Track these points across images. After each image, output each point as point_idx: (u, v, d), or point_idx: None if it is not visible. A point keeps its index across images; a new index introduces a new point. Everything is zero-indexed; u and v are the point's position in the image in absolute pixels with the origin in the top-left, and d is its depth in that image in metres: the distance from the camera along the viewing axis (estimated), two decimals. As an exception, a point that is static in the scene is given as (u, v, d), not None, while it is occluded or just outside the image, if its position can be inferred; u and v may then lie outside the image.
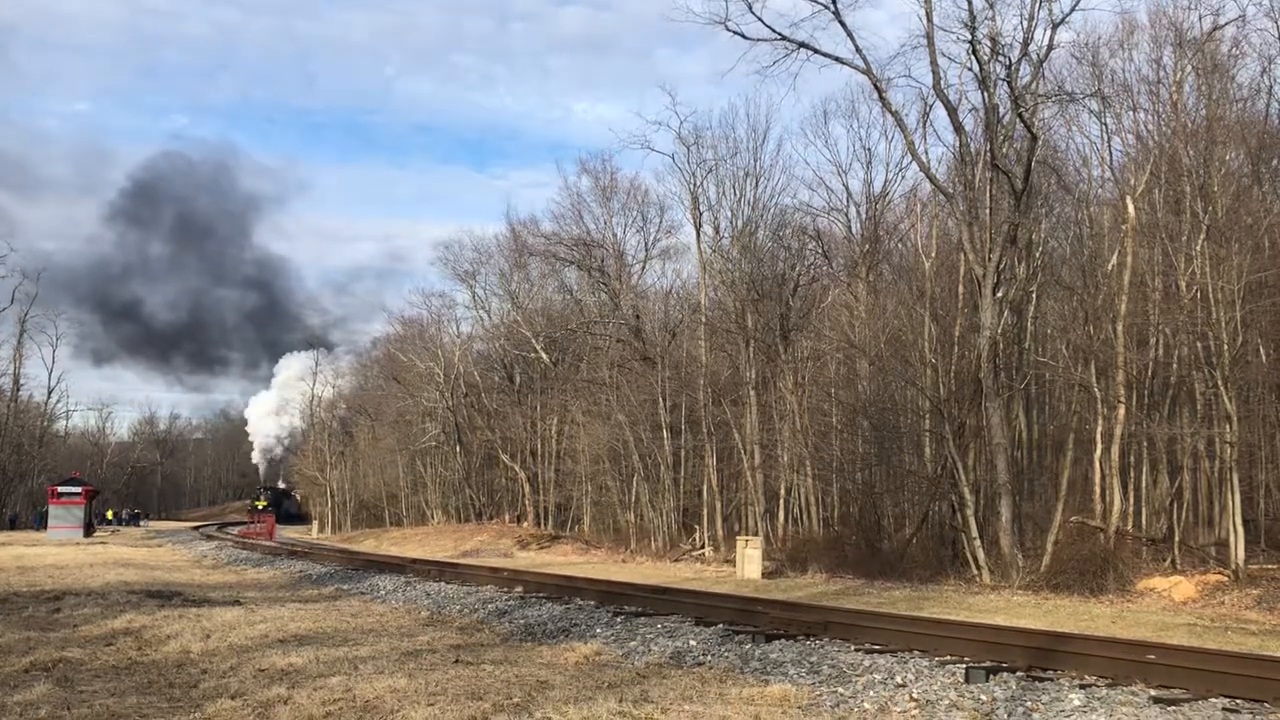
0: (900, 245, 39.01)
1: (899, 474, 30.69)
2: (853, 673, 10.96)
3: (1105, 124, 31.13)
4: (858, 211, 41.98)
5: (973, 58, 26.06)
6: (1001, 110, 26.39)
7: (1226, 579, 21.20)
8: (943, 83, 26.70)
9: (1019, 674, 10.56)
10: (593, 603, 17.83)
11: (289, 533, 76.21)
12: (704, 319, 41.11)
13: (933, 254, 30.80)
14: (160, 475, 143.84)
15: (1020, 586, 23.09)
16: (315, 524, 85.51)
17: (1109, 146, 31.89)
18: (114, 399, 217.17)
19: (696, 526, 38.81)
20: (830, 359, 36.04)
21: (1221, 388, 22.45)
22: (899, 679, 10.51)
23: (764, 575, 28.32)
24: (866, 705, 9.68)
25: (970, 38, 25.59)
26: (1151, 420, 25.46)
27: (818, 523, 34.69)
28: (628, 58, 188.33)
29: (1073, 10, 26.33)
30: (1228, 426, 22.60)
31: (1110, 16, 52.65)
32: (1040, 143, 26.91)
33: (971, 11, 25.41)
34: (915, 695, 9.89)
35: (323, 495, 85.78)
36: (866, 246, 38.95)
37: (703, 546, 36.83)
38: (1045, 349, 29.53)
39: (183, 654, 12.79)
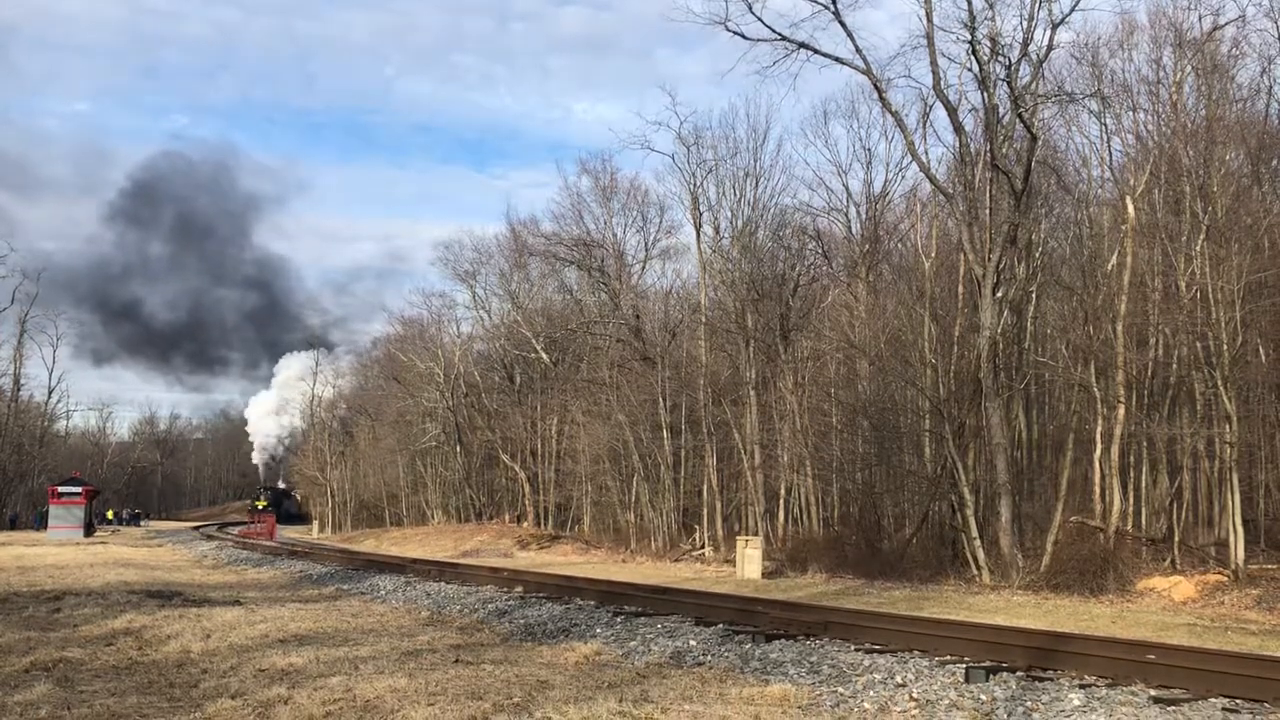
0: (900, 245, 39.03)
1: (899, 474, 30.70)
2: (853, 673, 10.97)
3: (1105, 124, 31.17)
4: (858, 211, 42.04)
5: (972, 58, 26.08)
6: (1001, 110, 26.40)
7: (1226, 579, 21.21)
8: (943, 83, 26.73)
9: (1019, 674, 10.56)
10: (593, 603, 17.84)
11: (289, 533, 76.22)
12: (704, 319, 41.12)
13: (933, 254, 30.81)
14: (160, 475, 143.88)
15: (1020, 586, 23.10)
16: (315, 524, 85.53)
17: (1109, 147, 31.93)
18: (114, 399, 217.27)
19: (696, 526, 38.81)
20: (830, 359, 36.05)
21: (1221, 388, 22.45)
22: (899, 679, 10.51)
23: (764, 575, 28.33)
24: (866, 705, 9.68)
25: (970, 38, 25.61)
26: (1151, 420, 25.46)
27: (818, 523, 34.70)
28: (628, 58, 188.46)
29: (1073, 10, 26.39)
30: (1227, 426, 22.60)
31: (1110, 17, 52.67)
32: (1040, 143, 26.92)
33: (971, 12, 25.44)
34: (915, 695, 9.89)
35: (323, 495, 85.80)
36: (866, 246, 38.96)
37: (703, 546, 36.84)
38: (1045, 349, 29.54)
39: (183, 654, 12.79)
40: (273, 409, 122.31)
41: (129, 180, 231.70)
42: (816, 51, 26.79)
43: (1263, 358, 24.07)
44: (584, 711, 9.02)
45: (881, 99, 28.30)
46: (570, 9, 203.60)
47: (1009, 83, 25.77)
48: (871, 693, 10.09)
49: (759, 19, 26.73)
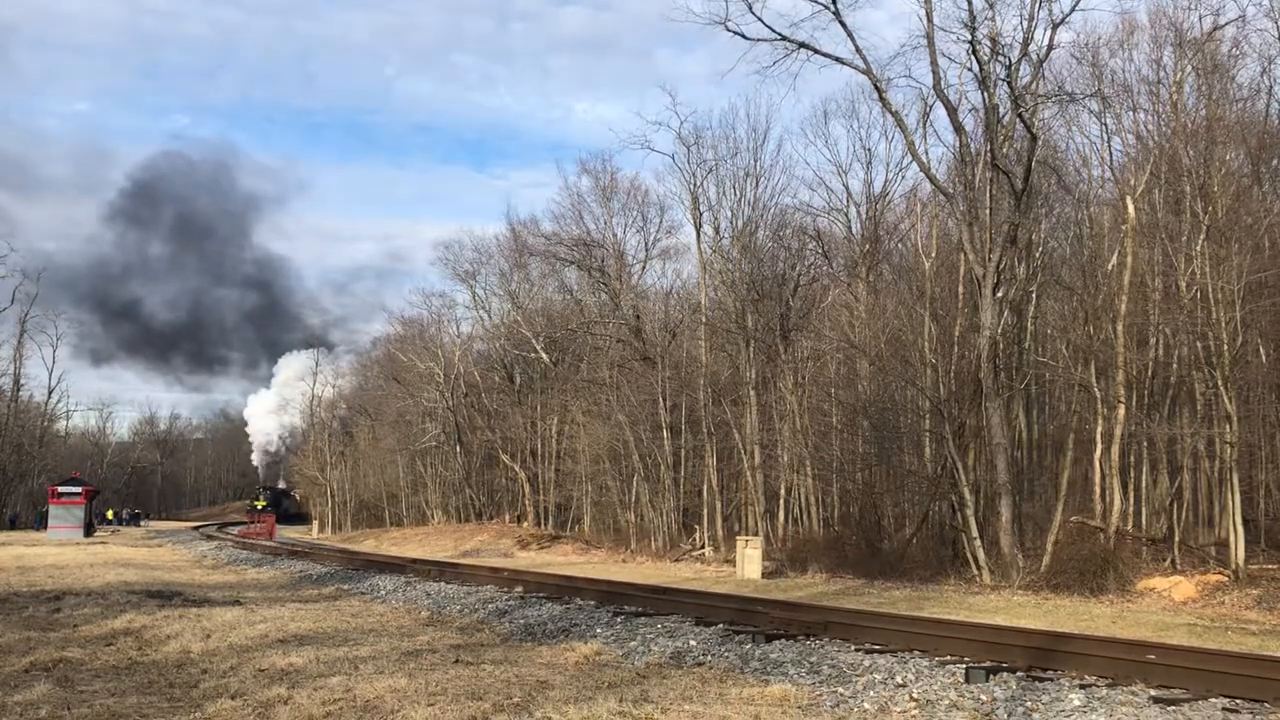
0: (900, 245, 39.04)
1: (899, 474, 30.69)
2: (853, 673, 10.96)
3: (1105, 124, 31.20)
4: (858, 211, 42.05)
5: (973, 58, 26.08)
6: (1001, 110, 26.40)
7: (1226, 579, 21.21)
8: (943, 83, 26.73)
9: (1019, 674, 10.56)
10: (593, 603, 17.83)
11: (289, 533, 76.22)
12: (704, 319, 41.12)
13: (933, 254, 30.81)
14: (160, 475, 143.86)
15: (1020, 586, 23.10)
16: (315, 524, 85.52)
17: (1109, 146, 31.96)
18: (114, 399, 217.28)
19: (696, 526, 38.81)
20: (830, 359, 36.05)
21: (1221, 388, 22.45)
22: (899, 679, 10.51)
23: (764, 575, 28.32)
24: (866, 705, 9.68)
25: (970, 38, 25.60)
26: (1151, 420, 25.46)
27: (818, 523, 34.70)
28: (628, 58, 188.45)
29: (1073, 10, 26.39)
30: (1228, 426, 22.60)
31: (1110, 17, 52.70)
32: (1040, 143, 26.91)
33: (971, 12, 25.44)
34: (915, 695, 9.89)
35: (323, 495, 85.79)
36: (866, 246, 38.96)
37: (703, 546, 36.83)
38: (1045, 349, 29.54)
39: (183, 654, 12.79)
40: (272, 409, 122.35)
41: (129, 180, 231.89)
42: (816, 51, 26.81)
43: (1263, 358, 24.07)
44: (584, 711, 9.01)
45: (881, 99, 28.32)
46: (570, 9, 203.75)
47: (1009, 83, 25.77)
48: (871, 693, 10.09)
49: (759, 19, 26.76)
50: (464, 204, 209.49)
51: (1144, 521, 25.72)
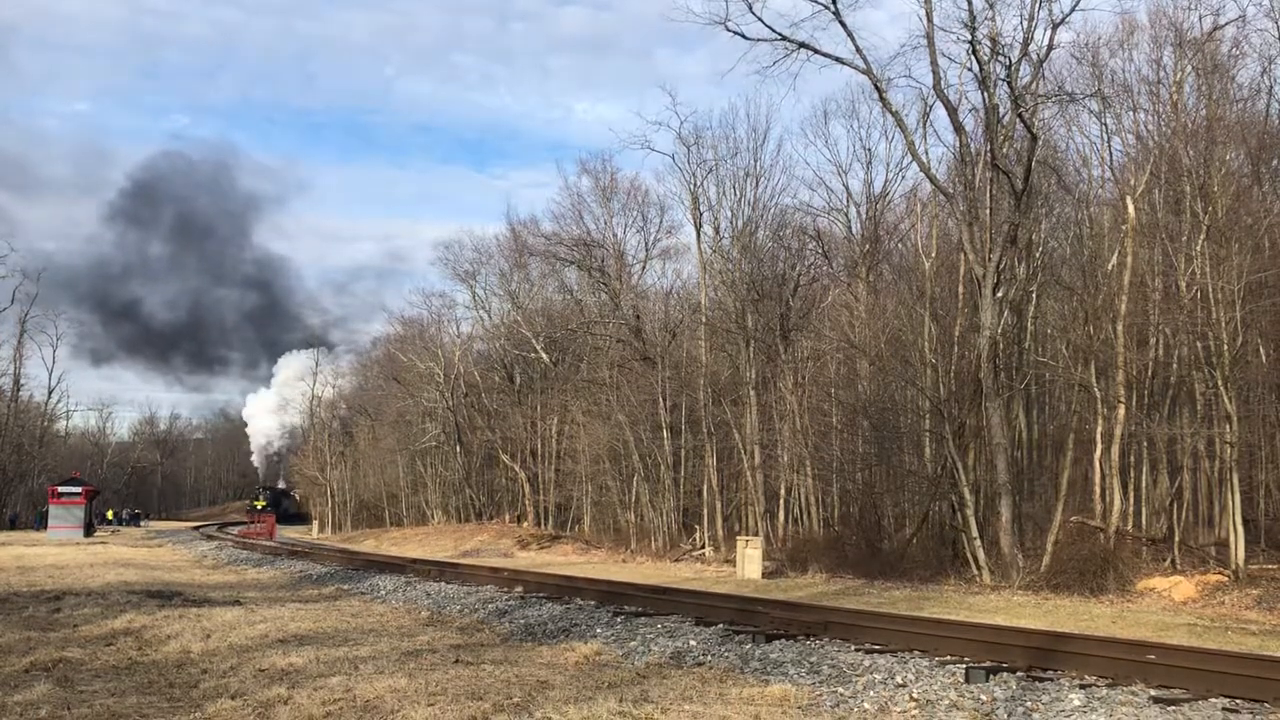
0: (900, 245, 39.05)
1: (899, 474, 30.69)
2: (853, 673, 10.96)
3: (1105, 124, 31.21)
4: (858, 211, 42.06)
5: (973, 58, 26.08)
6: (1001, 110, 26.40)
7: (1226, 579, 21.21)
8: (943, 83, 26.73)
9: (1019, 674, 10.56)
10: (593, 603, 17.83)
11: (289, 533, 76.22)
12: (704, 319, 41.12)
13: (933, 254, 30.81)
14: (160, 475, 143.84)
15: (1020, 586, 23.10)
16: (315, 524, 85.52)
17: (1109, 146, 31.97)
18: (114, 399, 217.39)
19: (697, 526, 38.81)
20: (830, 359, 36.06)
21: (1221, 388, 22.45)
22: (899, 679, 10.51)
23: (764, 575, 28.32)
24: (866, 705, 9.68)
25: (970, 38, 25.60)
26: (1151, 420, 25.46)
27: (818, 523, 34.70)
28: (628, 58, 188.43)
29: (1073, 10, 26.39)
30: (1228, 426, 22.60)
31: (1110, 17, 52.70)
32: (1040, 143, 26.92)
33: (971, 12, 25.44)
34: (915, 695, 9.89)
35: (323, 495, 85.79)
36: (866, 246, 38.97)
37: (703, 546, 36.84)
38: (1045, 349, 29.54)
39: (183, 654, 12.79)
40: (272, 408, 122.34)
41: (129, 180, 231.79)
42: (817, 51, 26.81)
43: (1263, 358, 24.07)
44: (584, 711, 9.01)
45: (882, 99, 28.32)
46: (570, 9, 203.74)
47: (1009, 83, 25.77)
48: (871, 693, 10.09)
49: (759, 19, 26.76)
50: (464, 204, 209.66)
51: (1144, 521, 25.72)
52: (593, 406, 45.94)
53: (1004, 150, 26.54)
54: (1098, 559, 22.72)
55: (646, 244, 53.43)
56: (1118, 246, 25.88)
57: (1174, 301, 24.85)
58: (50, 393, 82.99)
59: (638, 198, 52.30)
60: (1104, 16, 69.32)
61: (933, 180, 29.83)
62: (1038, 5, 25.52)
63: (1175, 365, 26.14)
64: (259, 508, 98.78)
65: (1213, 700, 9.41)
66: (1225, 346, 22.55)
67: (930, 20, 25.88)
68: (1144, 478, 26.27)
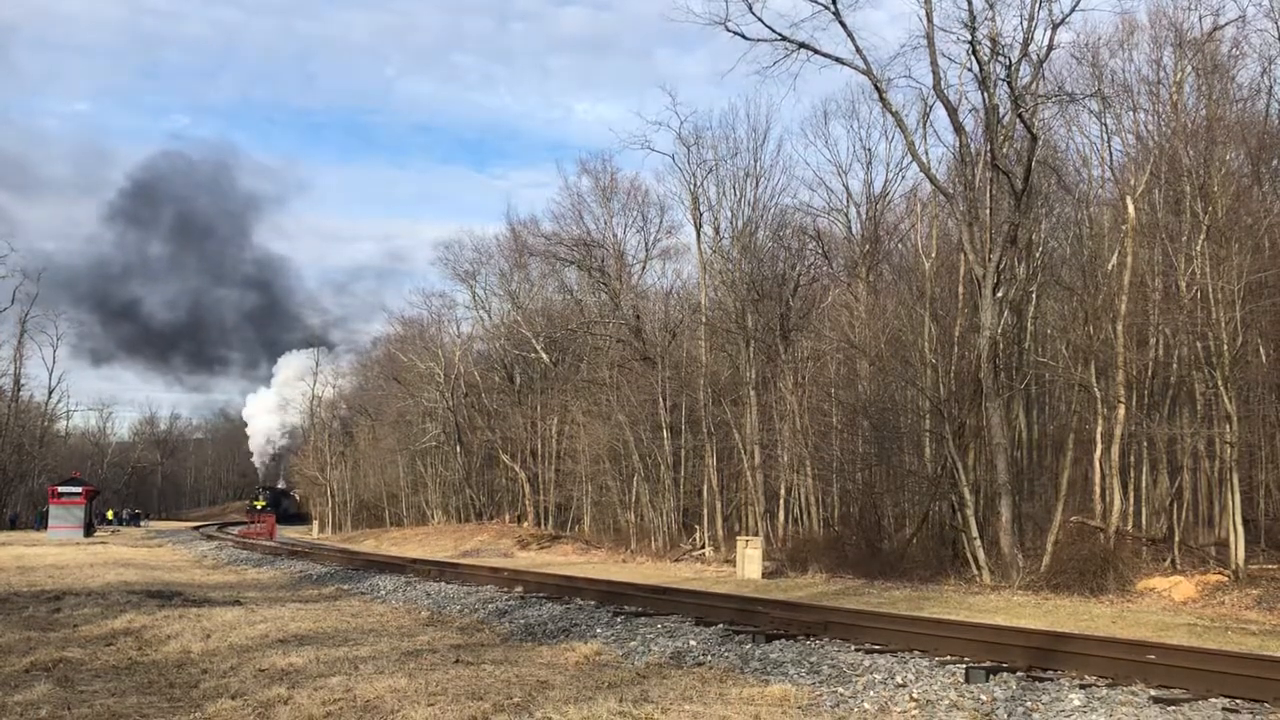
0: (900, 245, 39.05)
1: (899, 474, 30.69)
2: (853, 673, 10.96)
3: (1105, 124, 31.21)
4: (858, 212, 42.07)
5: (973, 58, 26.08)
6: (1001, 110, 26.40)
7: (1226, 579, 21.21)
8: (943, 83, 26.73)
9: (1019, 674, 10.56)
10: (593, 603, 17.83)
11: (289, 533, 76.22)
12: (704, 319, 41.12)
13: (933, 254, 30.81)
14: (160, 475, 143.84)
15: (1020, 586, 23.10)
16: (315, 524, 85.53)
17: (1109, 147, 31.98)
18: (114, 399, 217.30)
19: (697, 526, 38.82)
20: (830, 359, 36.06)
21: (1221, 388, 22.45)
22: (899, 679, 10.51)
23: (764, 575, 28.33)
24: (866, 705, 9.68)
25: (970, 38, 25.61)
26: (1151, 420, 25.46)
27: (818, 523, 34.70)
28: (628, 58, 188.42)
29: (1073, 10, 26.39)
30: (1228, 426, 22.60)
31: (1110, 17, 52.68)
32: (1040, 143, 26.92)
33: (971, 12, 25.44)
34: (915, 695, 9.89)
35: (323, 495, 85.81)
36: (866, 247, 38.97)
37: (703, 546, 36.84)
38: (1045, 349, 29.54)
39: (183, 654, 12.79)
40: (272, 408, 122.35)
41: (129, 180, 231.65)
42: (817, 51, 26.81)
43: (1263, 358, 24.08)
44: (584, 711, 9.02)
45: (882, 99, 28.32)
46: (570, 9, 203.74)
47: (1009, 83, 25.77)
48: (872, 693, 10.09)
49: (759, 19, 26.76)
50: (464, 204, 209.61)
51: (1144, 521, 25.72)
52: (593, 406, 45.94)
53: (1004, 150, 26.54)
54: (1098, 559, 22.72)
55: (646, 244, 53.50)
56: (1118, 246, 25.89)
57: (1174, 301, 24.85)
58: (50, 393, 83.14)
59: (638, 198, 52.37)
60: (1104, 17, 69.34)
61: (933, 180, 29.85)
62: (1038, 5, 25.55)
63: (1175, 365, 26.14)
64: (259, 508, 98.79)
65: (1213, 700, 9.41)
66: (1225, 346, 22.56)
67: (930, 20, 25.90)
68: (1144, 478, 26.27)
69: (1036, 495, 28.53)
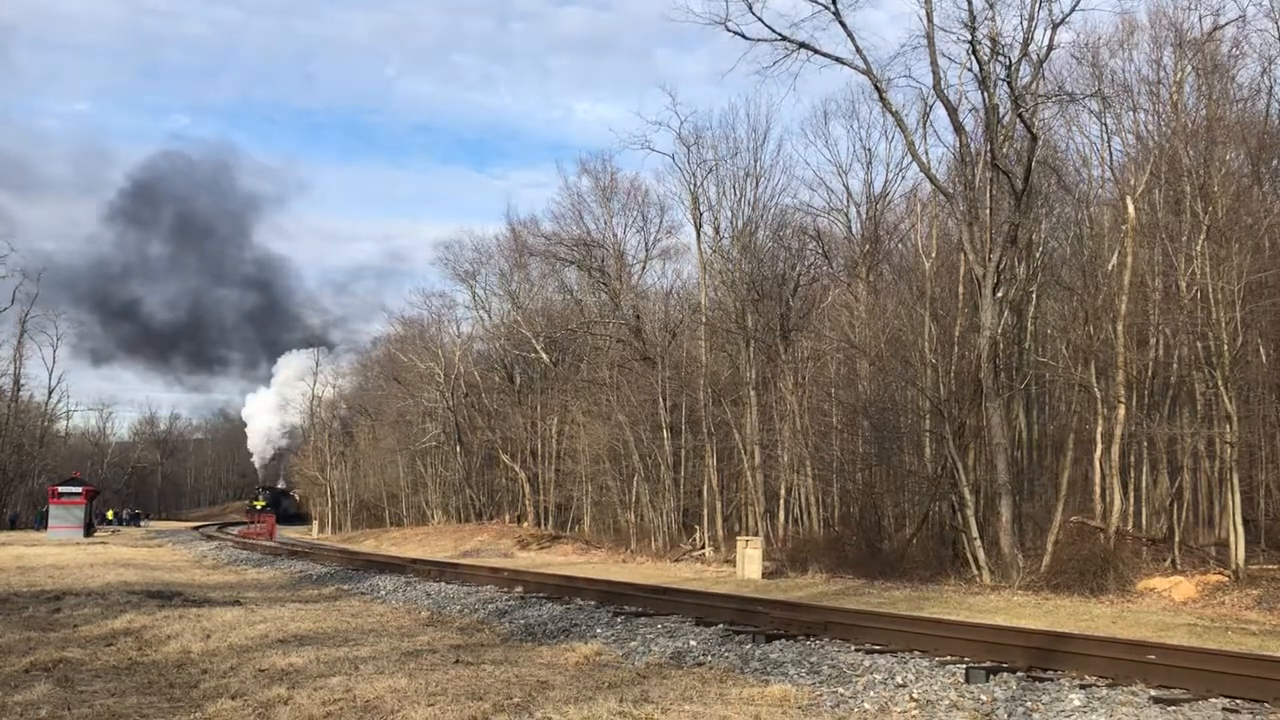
0: (900, 245, 39.06)
1: (899, 474, 30.70)
2: (853, 673, 10.96)
3: (1105, 124, 31.21)
4: (858, 212, 42.07)
5: (973, 58, 26.08)
6: (1001, 110, 26.40)
7: (1227, 579, 21.21)
8: (943, 83, 26.73)
9: (1019, 674, 10.56)
10: (593, 603, 17.83)
11: (288, 533, 76.22)
12: (704, 319, 41.12)
13: (933, 254, 30.81)
14: (160, 475, 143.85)
15: (1020, 587, 23.09)
16: (315, 524, 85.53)
17: (1109, 147, 31.98)
18: (114, 399, 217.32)
19: (697, 526, 38.82)
20: (830, 359, 36.06)
21: (1221, 388, 22.45)
22: (899, 679, 10.51)
23: (764, 575, 28.32)
24: (867, 705, 9.68)
25: (970, 38, 25.61)
26: (1151, 420, 25.46)
27: (818, 523, 34.70)
28: (628, 58, 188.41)
29: (1073, 10, 26.39)
30: (1228, 426, 22.60)
31: (1110, 17, 52.70)
32: (1040, 143, 26.92)
33: (971, 12, 25.44)
34: (915, 695, 9.89)
35: (323, 495, 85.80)
36: (866, 247, 38.98)
37: (703, 547, 36.84)
38: (1045, 349, 29.54)
39: (183, 654, 12.79)
40: (272, 408, 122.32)
41: (129, 180, 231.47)
42: (817, 51, 26.81)
43: (1263, 358, 24.08)
44: (584, 712, 9.02)
45: (882, 99, 28.32)
46: (570, 9, 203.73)
47: (1009, 83, 25.77)
48: (872, 693, 10.09)
49: (759, 19, 26.76)
50: (464, 204, 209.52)
51: (1144, 521, 25.72)
52: (593, 406, 45.94)
53: (1004, 150, 26.54)
54: (1098, 559, 22.72)
55: (646, 244, 53.50)
56: (1118, 246, 25.89)
57: (1174, 301, 24.85)
58: (50, 393, 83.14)
59: (638, 198, 52.37)
60: (1104, 16, 69.34)
61: (933, 180, 29.85)
62: (1038, 5, 25.55)
63: (1175, 365, 26.14)
64: (259, 508, 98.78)
65: (1213, 700, 9.41)
66: (1225, 346, 22.55)
67: (930, 20, 25.90)
68: (1144, 478, 26.27)
69: (1036, 495, 28.53)
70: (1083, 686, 9.94)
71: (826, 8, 26.29)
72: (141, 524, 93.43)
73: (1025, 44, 25.64)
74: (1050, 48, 26.12)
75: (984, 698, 9.68)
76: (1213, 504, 25.80)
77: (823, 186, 43.96)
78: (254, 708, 9.50)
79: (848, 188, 42.27)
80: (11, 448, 76.64)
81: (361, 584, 23.62)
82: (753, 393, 36.03)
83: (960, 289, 28.79)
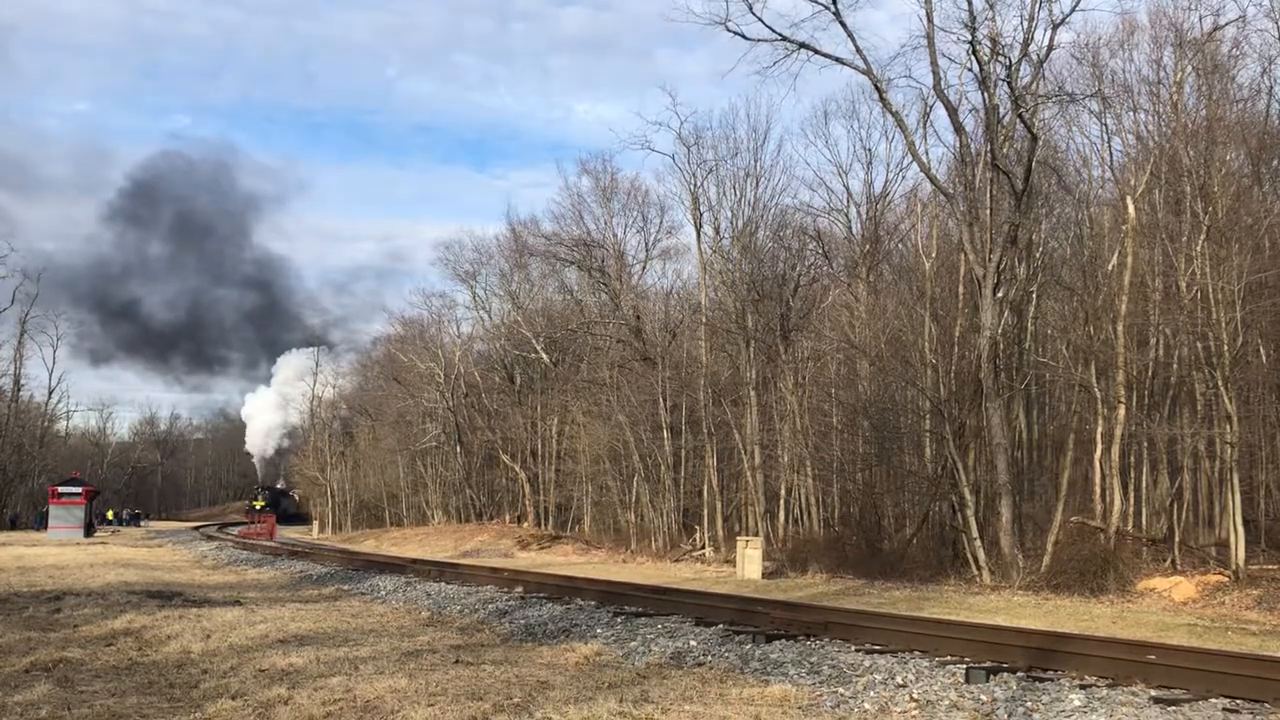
0: (900, 245, 39.05)
1: (899, 474, 30.69)
2: (853, 673, 10.96)
3: (1105, 124, 31.22)
4: (858, 212, 42.06)
5: (973, 58, 26.08)
6: (1002, 110, 26.40)
7: (1227, 579, 21.21)
8: (943, 83, 26.73)
9: (1019, 674, 10.56)
10: (593, 603, 17.83)
11: (288, 533, 76.22)
12: (704, 319, 41.12)
13: (933, 254, 30.82)
14: (160, 475, 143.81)
15: (1020, 587, 23.09)
16: (315, 524, 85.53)
17: (1109, 147, 31.99)
18: (114, 399, 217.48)
19: (697, 527, 38.81)
20: (830, 359, 36.06)
21: (1221, 388, 22.45)
22: (899, 679, 10.51)
23: (764, 575, 28.32)
24: (867, 705, 9.68)
25: (970, 38, 25.61)
26: (1151, 420, 25.46)
27: (818, 523, 34.70)
28: (628, 58, 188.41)
29: (1073, 11, 26.36)
30: (1228, 426, 22.60)
31: (1110, 17, 52.73)
32: (1040, 143, 26.92)
33: (972, 12, 25.44)
34: (915, 695, 9.89)
35: (323, 495, 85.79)
36: (867, 247, 38.98)
37: (703, 547, 36.84)
38: (1045, 349, 29.54)
39: (183, 654, 12.79)
40: (272, 407, 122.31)
41: (129, 180, 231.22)
42: (817, 52, 26.80)
43: (1263, 358, 24.08)
44: (584, 712, 9.02)
45: (882, 99, 28.32)
46: (570, 9, 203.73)
47: (1009, 83, 25.77)
48: (872, 693, 10.09)
49: (759, 19, 26.75)
50: (464, 204, 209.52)
51: (1144, 522, 25.72)
52: (593, 407, 45.94)
53: (1004, 150, 26.54)
54: (1098, 559, 22.72)
55: (646, 244, 53.50)
56: (1118, 247, 25.89)
57: (1174, 302, 24.85)
58: (50, 393, 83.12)
59: (638, 198, 52.36)
60: (1104, 17, 69.31)
61: (933, 180, 29.85)
62: (1038, 5, 25.55)
63: (1175, 365, 26.13)
64: (259, 508, 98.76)
65: (1213, 700, 9.41)
66: (1225, 347, 22.55)
67: (930, 20, 25.90)
68: (1144, 478, 26.27)
69: (1036, 495, 28.53)
70: (1083, 687, 9.94)
71: (826, 8, 26.32)
72: (141, 524, 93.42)
73: (1025, 44, 25.67)
74: (1050, 48, 26.15)
75: (984, 698, 9.68)
76: (1213, 504, 25.80)
77: (823, 187, 44.02)
78: (254, 708, 9.50)
79: (848, 188, 42.32)
80: (11, 448, 76.65)
81: (361, 584, 23.62)
82: (753, 393, 36.03)
83: (960, 289, 28.79)
